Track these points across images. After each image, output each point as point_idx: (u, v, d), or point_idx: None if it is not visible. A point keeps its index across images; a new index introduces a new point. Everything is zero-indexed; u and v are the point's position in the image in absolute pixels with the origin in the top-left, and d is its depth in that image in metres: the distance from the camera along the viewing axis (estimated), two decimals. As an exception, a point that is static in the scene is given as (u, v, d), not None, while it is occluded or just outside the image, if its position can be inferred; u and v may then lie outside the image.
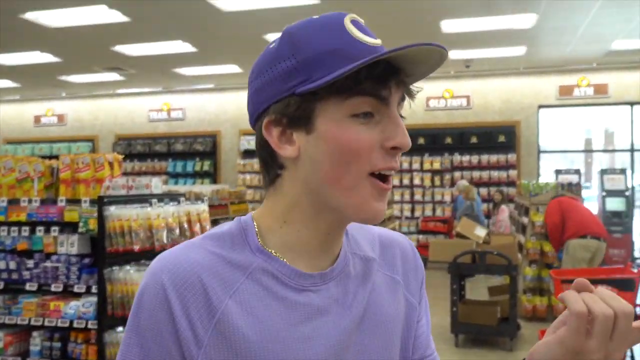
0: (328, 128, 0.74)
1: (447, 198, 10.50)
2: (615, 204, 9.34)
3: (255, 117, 0.80)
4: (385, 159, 0.76)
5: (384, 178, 0.77)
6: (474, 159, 10.50)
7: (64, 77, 10.74)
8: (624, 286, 4.16)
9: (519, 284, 6.05)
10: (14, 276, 3.65)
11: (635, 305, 4.45)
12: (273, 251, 0.80)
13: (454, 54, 8.86)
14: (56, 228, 3.62)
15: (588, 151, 12.89)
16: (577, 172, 9.80)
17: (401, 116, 0.78)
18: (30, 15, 6.78)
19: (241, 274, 0.77)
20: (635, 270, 4.74)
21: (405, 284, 0.91)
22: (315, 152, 0.76)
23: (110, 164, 3.88)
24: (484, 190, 10.19)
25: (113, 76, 10.57)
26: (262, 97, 0.78)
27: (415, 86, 0.80)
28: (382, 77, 0.74)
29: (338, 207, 0.77)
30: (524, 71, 10.23)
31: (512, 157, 10.32)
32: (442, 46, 0.72)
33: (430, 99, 10.73)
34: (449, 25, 7.39)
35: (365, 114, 0.74)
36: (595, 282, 3.75)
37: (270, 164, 0.81)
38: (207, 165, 12.08)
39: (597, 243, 5.63)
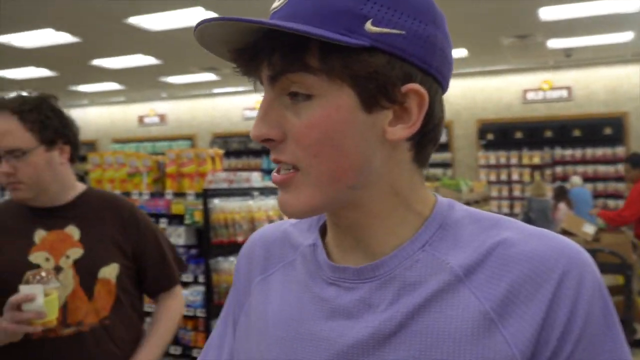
0: None
1: (549, 194, 10.00)
2: None
3: None
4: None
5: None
6: (577, 153, 9.93)
7: (164, 79, 11.26)
8: None
9: (633, 285, 5.63)
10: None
11: None
12: (327, 237, 0.74)
13: (553, 43, 8.40)
14: (165, 220, 3.78)
15: None
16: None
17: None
18: (134, 20, 7.15)
19: (292, 253, 0.77)
20: None
21: (502, 322, 0.61)
22: None
23: (212, 159, 4.01)
24: (589, 186, 9.59)
25: (209, 76, 10.96)
26: None
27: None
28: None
29: None
30: (632, 58, 9.52)
31: (620, 150, 9.65)
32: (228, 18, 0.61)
33: (528, 92, 10.25)
34: (548, 13, 7.00)
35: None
36: None
37: None
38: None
39: None
